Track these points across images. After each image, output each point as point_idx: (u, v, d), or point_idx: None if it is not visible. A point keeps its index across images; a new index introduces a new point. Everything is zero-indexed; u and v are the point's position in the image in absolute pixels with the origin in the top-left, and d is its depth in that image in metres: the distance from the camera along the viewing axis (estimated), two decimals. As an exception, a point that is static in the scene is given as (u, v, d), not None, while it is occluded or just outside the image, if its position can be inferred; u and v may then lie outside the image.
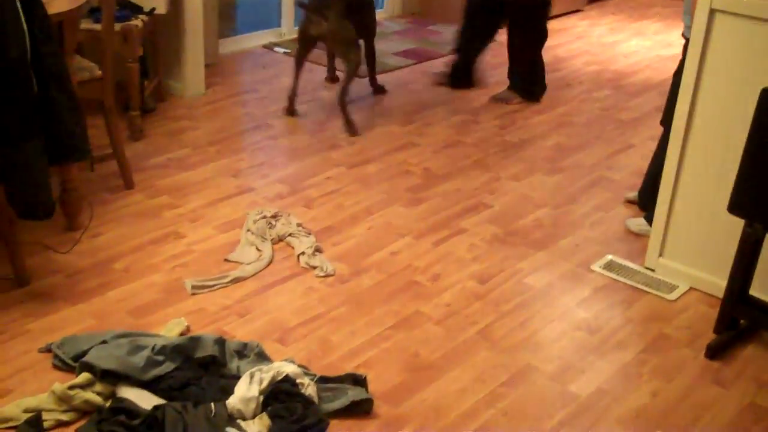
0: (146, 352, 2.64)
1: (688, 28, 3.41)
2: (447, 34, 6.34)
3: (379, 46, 5.83)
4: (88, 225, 3.49)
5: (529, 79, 5.21)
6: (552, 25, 6.64)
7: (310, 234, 3.54)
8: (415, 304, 3.17)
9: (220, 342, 2.74)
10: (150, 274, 3.23)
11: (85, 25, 3.96)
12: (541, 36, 5.18)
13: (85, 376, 2.57)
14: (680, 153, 3.24)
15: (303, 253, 3.40)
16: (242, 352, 2.76)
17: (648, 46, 6.50)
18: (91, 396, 2.52)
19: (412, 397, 2.69)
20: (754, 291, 3.01)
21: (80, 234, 3.43)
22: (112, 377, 2.58)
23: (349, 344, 2.93)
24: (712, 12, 3.01)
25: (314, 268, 3.34)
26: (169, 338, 2.78)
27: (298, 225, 3.59)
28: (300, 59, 4.73)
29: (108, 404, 2.51)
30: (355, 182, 4.05)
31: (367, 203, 3.86)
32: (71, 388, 2.52)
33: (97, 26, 3.81)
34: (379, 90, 5.17)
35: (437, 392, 2.72)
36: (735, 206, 2.86)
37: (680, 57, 3.47)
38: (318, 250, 3.44)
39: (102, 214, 3.60)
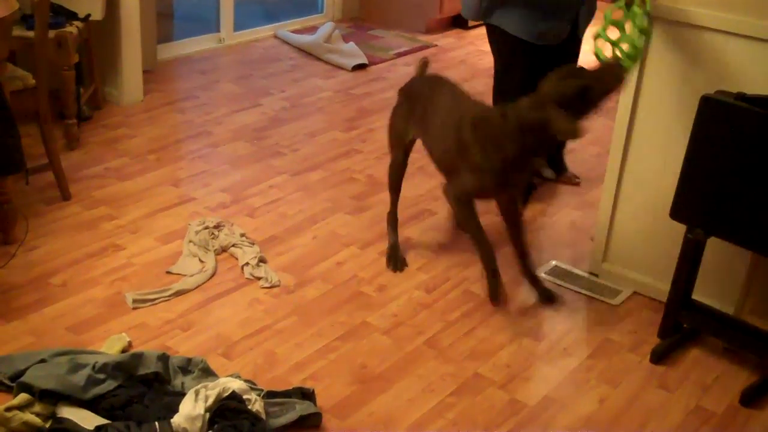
0: (87, 371, 2.56)
1: None
2: (388, 38, 6.33)
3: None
4: (23, 239, 3.38)
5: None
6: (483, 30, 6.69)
7: (253, 244, 3.49)
8: (362, 314, 3.14)
9: (164, 358, 2.68)
10: (89, 289, 3.15)
11: (18, 32, 3.84)
12: None
13: (23, 397, 2.49)
14: (622, 159, 3.27)
15: (247, 263, 3.35)
16: (186, 367, 2.71)
17: (585, 51, 6.55)
18: (30, 417, 2.44)
19: (361, 410, 2.67)
20: (697, 295, 3.05)
21: (15, 248, 3.32)
22: (51, 397, 2.50)
23: (296, 357, 2.89)
24: (652, 19, 3.04)
25: (259, 279, 3.29)
26: (110, 355, 2.71)
27: (242, 235, 3.54)
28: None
29: (48, 425, 2.44)
30: (298, 190, 4.00)
31: (312, 212, 3.82)
32: (9, 409, 2.44)
33: (30, 33, 3.71)
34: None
35: (386, 404, 2.70)
36: (676, 212, 2.89)
37: None
38: (262, 260, 3.39)
39: (38, 227, 3.49)
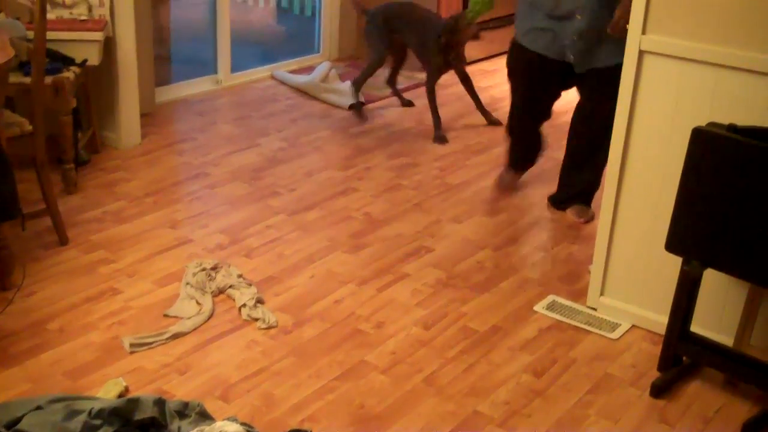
0: (83, 417, 2.55)
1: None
2: (384, 77, 6.36)
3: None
4: (20, 284, 3.38)
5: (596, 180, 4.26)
6: (484, 66, 6.73)
7: (251, 285, 3.49)
8: (360, 353, 3.13)
9: (160, 402, 2.66)
10: (86, 333, 3.14)
11: (15, 78, 3.88)
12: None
13: (18, 445, 2.48)
14: (616, 192, 3.28)
15: (244, 305, 3.34)
16: (183, 411, 2.69)
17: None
18: (25, 465, 2.43)
19: (359, 451, 2.65)
20: (696, 327, 3.04)
21: (13, 294, 3.32)
22: (47, 445, 2.48)
23: (294, 398, 2.87)
24: (642, 53, 3.07)
25: (256, 320, 3.28)
26: (106, 400, 2.69)
27: (239, 276, 3.54)
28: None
29: (43, 473, 2.42)
30: (296, 230, 4.01)
31: (309, 251, 3.82)
32: (4, 458, 2.43)
33: (28, 80, 3.74)
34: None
35: (384, 444, 2.69)
36: (672, 244, 2.89)
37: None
38: (260, 301, 3.39)
39: (35, 272, 3.50)
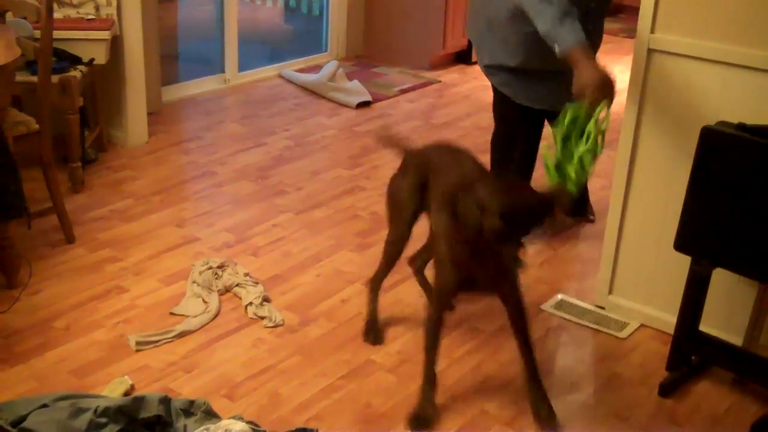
0: (88, 415, 2.54)
1: None
2: (392, 75, 6.37)
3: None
4: (27, 282, 3.38)
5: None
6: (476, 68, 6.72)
7: (257, 283, 3.48)
8: (366, 352, 3.12)
9: (166, 401, 2.65)
10: (92, 332, 3.14)
11: (23, 77, 3.89)
12: None
13: (24, 443, 2.47)
14: (625, 190, 3.26)
15: (251, 303, 3.34)
16: (189, 410, 2.68)
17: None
18: (30, 464, 2.42)
19: (366, 450, 2.64)
20: (705, 327, 3.02)
21: (19, 292, 3.32)
22: (52, 443, 2.48)
23: (300, 397, 2.86)
24: (650, 52, 3.05)
25: (262, 318, 3.27)
26: (112, 399, 2.68)
27: (246, 274, 3.53)
28: None
29: (49, 471, 2.42)
30: (302, 228, 4.00)
31: (315, 250, 3.81)
32: (9, 456, 2.42)
33: (35, 78, 3.74)
34: None
35: (391, 443, 2.67)
36: (681, 244, 2.87)
37: None
38: (266, 299, 3.38)
39: (42, 270, 3.50)
